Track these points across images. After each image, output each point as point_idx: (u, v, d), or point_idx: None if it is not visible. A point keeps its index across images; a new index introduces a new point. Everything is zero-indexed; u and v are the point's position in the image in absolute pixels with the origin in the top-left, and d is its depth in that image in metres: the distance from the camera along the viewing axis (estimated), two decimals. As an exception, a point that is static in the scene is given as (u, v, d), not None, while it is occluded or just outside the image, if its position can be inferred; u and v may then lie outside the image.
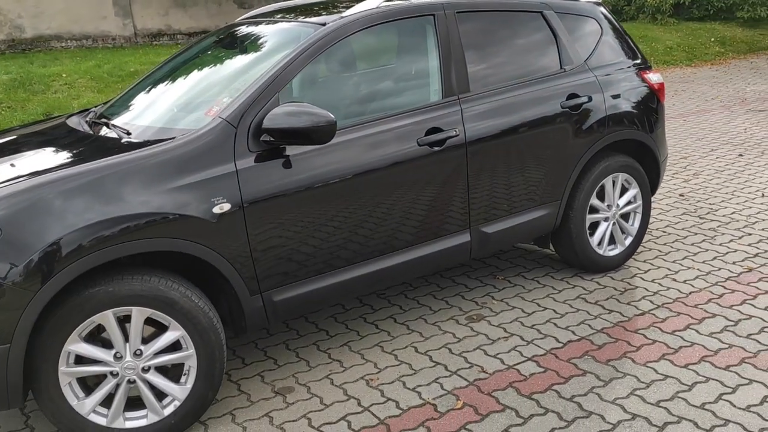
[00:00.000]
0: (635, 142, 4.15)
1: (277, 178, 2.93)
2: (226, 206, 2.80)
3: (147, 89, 3.65)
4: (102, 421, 2.74)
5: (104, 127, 3.31)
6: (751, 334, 3.39)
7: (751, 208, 5.26)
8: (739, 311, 3.64)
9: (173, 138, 2.84)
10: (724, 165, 6.54)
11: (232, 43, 3.74)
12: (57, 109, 9.84)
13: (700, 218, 5.11)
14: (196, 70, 3.66)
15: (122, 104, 3.61)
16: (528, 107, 3.66)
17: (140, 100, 3.55)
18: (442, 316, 3.79)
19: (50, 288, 2.50)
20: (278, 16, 3.76)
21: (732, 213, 5.17)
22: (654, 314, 3.66)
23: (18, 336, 2.48)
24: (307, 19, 3.41)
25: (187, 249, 2.74)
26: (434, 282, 4.23)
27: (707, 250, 4.49)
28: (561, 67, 3.89)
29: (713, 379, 3.04)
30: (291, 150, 2.98)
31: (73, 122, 3.51)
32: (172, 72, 3.73)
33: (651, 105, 4.20)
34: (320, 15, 3.50)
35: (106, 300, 2.62)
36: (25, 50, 15.36)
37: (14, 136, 3.48)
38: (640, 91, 4.15)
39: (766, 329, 3.44)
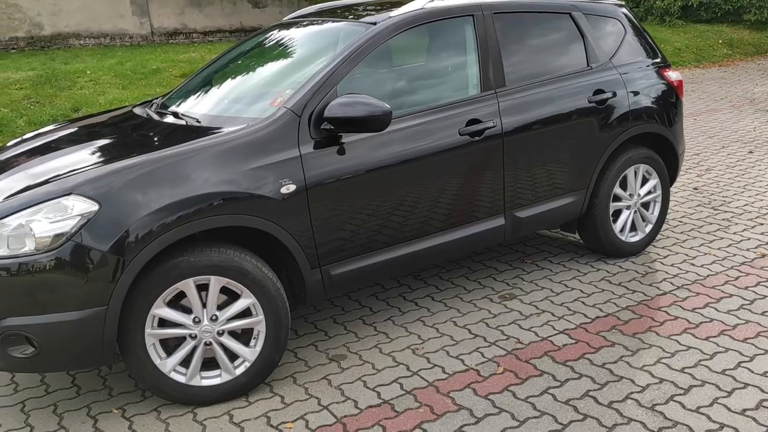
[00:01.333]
0: (656, 136, 4.44)
1: (334, 163, 3.23)
2: (292, 187, 3.10)
3: (206, 82, 3.96)
4: (181, 378, 3.04)
5: (172, 116, 3.61)
6: (765, 312, 3.68)
7: (762, 200, 5.55)
8: (754, 292, 3.93)
9: (245, 126, 3.14)
10: (735, 161, 6.82)
11: (285, 40, 4.04)
12: (84, 105, 10.13)
13: (714, 209, 5.40)
14: (253, 65, 3.97)
15: (185, 96, 3.91)
16: (558, 101, 3.96)
17: (202, 92, 3.85)
18: (476, 295, 4.08)
19: (142, 257, 2.80)
20: (325, 16, 4.06)
21: (744, 205, 5.45)
22: (675, 294, 3.95)
23: (114, 300, 2.79)
24: (358, 19, 3.71)
25: (258, 225, 3.05)
26: (466, 265, 4.53)
27: (722, 238, 4.78)
28: (588, 65, 4.19)
29: (732, 350, 3.33)
30: (346, 138, 3.27)
31: (143, 112, 3.81)
32: (229, 66, 4.03)
33: (670, 101, 4.49)
34: (366, 15, 3.80)
35: (188, 269, 2.92)
36: (44, 47, 15.67)
37: (91, 124, 3.79)
38: (660, 88, 4.45)
39: (779, 307, 3.73)
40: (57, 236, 2.73)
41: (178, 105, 3.79)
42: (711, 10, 17.95)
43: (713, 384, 3.06)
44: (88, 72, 11.98)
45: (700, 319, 3.65)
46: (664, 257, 4.51)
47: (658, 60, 4.55)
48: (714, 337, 3.46)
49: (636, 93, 4.29)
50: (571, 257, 4.59)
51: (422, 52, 3.79)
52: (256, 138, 3.09)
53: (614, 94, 4.17)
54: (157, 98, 4.25)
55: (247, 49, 4.18)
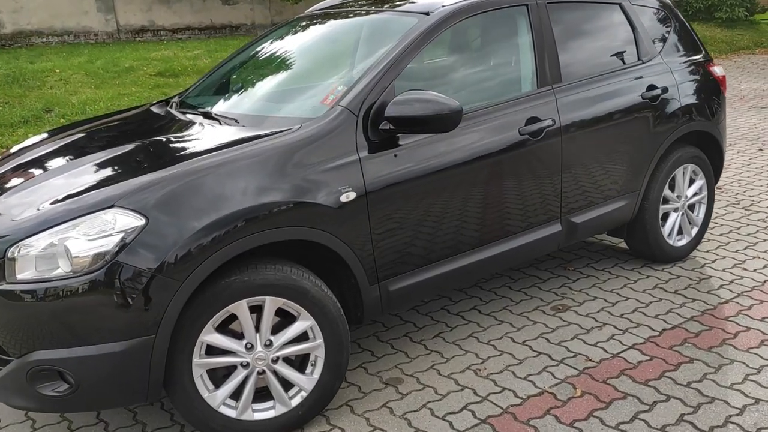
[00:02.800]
0: (702, 134, 4.21)
1: (392, 166, 2.91)
2: (352, 195, 2.77)
3: (234, 79, 3.59)
4: (232, 413, 2.68)
5: (202, 117, 3.24)
6: (840, 320, 3.47)
7: (790, 200, 5.38)
8: (818, 298, 3.73)
9: (298, 126, 2.79)
10: (748, 159, 6.67)
11: (319, 33, 3.69)
12: (56, 105, 9.61)
13: (745, 210, 5.21)
14: (287, 60, 3.61)
15: (210, 94, 3.54)
16: (614, 98, 3.70)
17: (233, 90, 3.48)
18: (526, 307, 3.80)
19: (196, 278, 2.44)
20: (353, 7, 3.73)
21: (774, 205, 5.28)
22: (737, 302, 3.72)
23: (163, 327, 2.42)
24: (406, 8, 3.38)
25: (317, 237, 2.71)
26: (505, 274, 4.24)
27: (765, 240, 4.58)
28: (638, 59, 3.93)
29: (820, 363, 3.10)
30: (403, 139, 2.95)
31: (164, 111, 3.43)
32: (258, 62, 3.67)
33: (716, 97, 4.27)
34: (404, 4, 3.48)
35: (242, 289, 2.57)
36: (5, 46, 14.97)
37: (110, 126, 3.39)
38: (707, 84, 4.22)
39: None
40: (97, 256, 2.35)
41: (207, 104, 3.41)
42: (682, 8, 18.01)
43: (814, 403, 2.82)
44: (57, 71, 11.41)
45: (774, 329, 3.42)
46: (712, 262, 4.28)
47: (703, 54, 4.32)
48: (795, 349, 3.23)
49: (686, 89, 4.05)
50: (614, 263, 4.33)
51: (475, 44, 3.48)
52: (312, 140, 2.75)
53: (666, 90, 3.93)
54: (173, 96, 3.86)
55: (273, 44, 3.82)
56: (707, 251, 4.44)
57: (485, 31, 3.46)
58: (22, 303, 2.40)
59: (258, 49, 3.83)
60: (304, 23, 3.83)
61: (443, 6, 3.25)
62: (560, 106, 3.45)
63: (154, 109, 3.57)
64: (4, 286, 2.42)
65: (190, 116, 3.27)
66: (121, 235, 2.37)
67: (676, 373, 3.09)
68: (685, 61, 4.15)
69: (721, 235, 4.72)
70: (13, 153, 3.32)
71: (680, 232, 4.27)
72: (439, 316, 3.75)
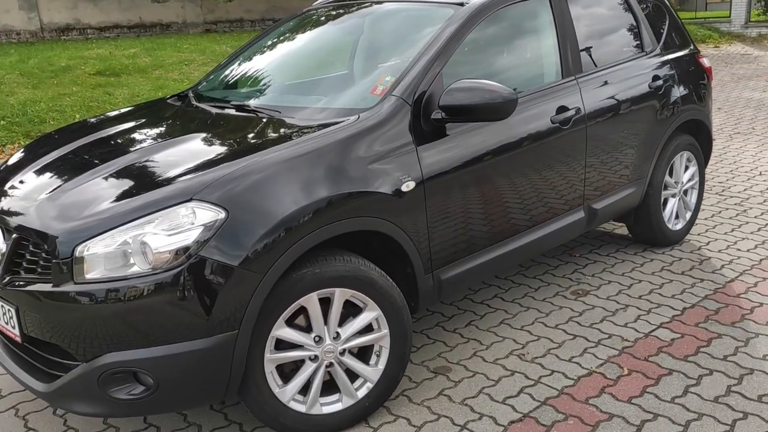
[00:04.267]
0: (695, 122, 4.41)
1: (444, 154, 2.93)
2: (412, 184, 2.77)
3: (261, 70, 3.52)
4: (301, 408, 2.65)
5: (234, 110, 3.17)
6: (840, 292, 3.71)
7: (758, 184, 5.70)
8: (815, 273, 3.97)
9: (357, 117, 2.77)
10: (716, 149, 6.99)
11: (343, 23, 3.67)
12: (-5, 106, 9.14)
13: (719, 195, 5.48)
14: (314, 50, 3.56)
15: (234, 87, 3.47)
16: (627, 88, 3.83)
17: (262, 82, 3.42)
18: (547, 293, 3.89)
19: (276, 270, 2.40)
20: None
21: (744, 190, 5.58)
22: (742, 280, 3.92)
23: (246, 322, 2.36)
24: (439, 0, 3.40)
25: (381, 227, 2.71)
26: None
27: (747, 222, 4.84)
28: (642, 50, 4.08)
29: (837, 333, 3.31)
30: (450, 129, 2.98)
31: (190, 106, 3.33)
32: (283, 52, 3.61)
33: (705, 86, 4.48)
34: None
35: (313, 282, 2.53)
36: None
37: (140, 122, 3.27)
38: (699, 74, 4.42)
39: None
40: (178, 251, 2.27)
41: (236, 98, 3.34)
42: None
43: None
44: (-12, 71, 10.84)
45: (784, 304, 3.63)
46: (707, 244, 4.49)
47: (692, 47, 4.52)
48: (811, 321, 3.44)
49: (683, 80, 4.23)
50: (616, 248, 4.48)
51: (505, 35, 3.51)
52: (373, 130, 2.74)
53: (667, 81, 4.10)
54: (186, 91, 3.74)
55: (295, 35, 3.77)
56: (699, 235, 4.66)
57: (514, 22, 3.51)
58: (93, 304, 2.29)
59: (277, 40, 3.76)
60: (323, 14, 3.79)
61: (475, -4, 3.28)
62: (584, 95, 3.54)
63: (176, 102, 3.45)
64: (72, 287, 2.31)
65: (228, 109, 3.19)
66: (202, 229, 2.29)
67: (710, 348, 3.23)
68: (680, 53, 4.34)
69: (705, 219, 4.95)
70: (33, 151, 3.16)
71: (677, 216, 4.45)
72: (465, 305, 3.79)
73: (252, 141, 2.80)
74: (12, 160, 3.14)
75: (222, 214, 2.31)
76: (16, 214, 2.56)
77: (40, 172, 2.89)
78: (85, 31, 17.17)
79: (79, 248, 2.31)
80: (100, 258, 2.30)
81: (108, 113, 3.55)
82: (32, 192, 2.66)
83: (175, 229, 2.29)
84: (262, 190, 2.40)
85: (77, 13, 17.08)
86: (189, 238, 2.28)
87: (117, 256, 2.30)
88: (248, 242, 2.33)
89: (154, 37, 17.01)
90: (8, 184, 2.82)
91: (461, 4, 3.25)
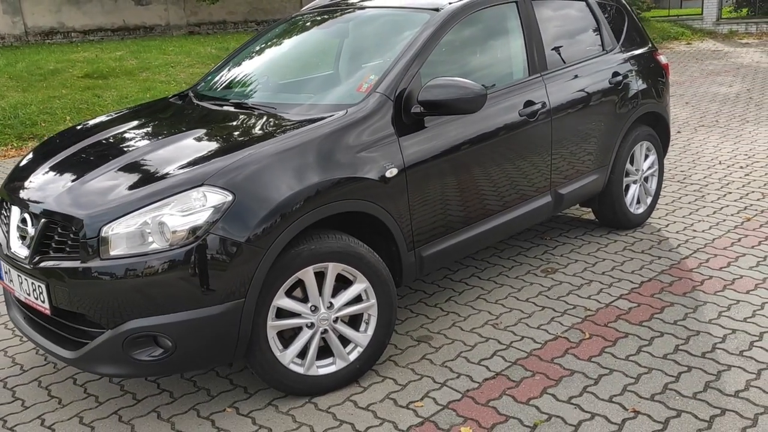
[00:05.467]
0: (654, 114, 4.80)
1: (422, 144, 3.29)
2: (395, 171, 3.13)
3: (253, 71, 3.87)
4: (300, 370, 2.99)
5: (233, 107, 3.52)
6: (782, 266, 4.13)
7: (717, 172, 6.12)
8: (760, 250, 4.38)
9: (345, 112, 3.13)
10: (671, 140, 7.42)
11: (327, 28, 4.02)
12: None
13: (680, 182, 5.90)
14: (303, 52, 3.92)
15: (230, 86, 3.81)
16: (589, 84, 4.21)
17: (257, 81, 3.76)
18: (519, 271, 4.26)
19: (277, 246, 2.74)
20: (357, 3, 4.09)
21: (704, 177, 5.99)
22: (696, 257, 4.32)
23: (251, 291, 2.71)
24: (413, 5, 3.76)
25: (369, 209, 3.06)
26: (491, 246, 4.69)
27: (704, 206, 5.25)
28: (603, 49, 4.47)
29: (775, 300, 3.71)
30: (428, 122, 3.34)
31: (198, 104, 3.67)
32: (272, 54, 3.96)
33: (663, 82, 4.88)
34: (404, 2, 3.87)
35: (310, 257, 2.88)
36: None
37: (153, 117, 3.62)
38: (656, 70, 4.82)
39: (789, 262, 4.18)
40: (193, 229, 2.62)
41: (233, 96, 3.68)
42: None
43: (779, 330, 3.41)
44: (-23, 76, 11.06)
45: (731, 276, 4.02)
46: (666, 226, 4.89)
47: (650, 45, 4.92)
48: (753, 290, 3.84)
49: (641, 75, 4.63)
50: (583, 232, 4.87)
51: (477, 36, 3.88)
52: (360, 122, 3.10)
53: (626, 77, 4.49)
54: (186, 91, 4.08)
55: (283, 38, 4.12)
56: (659, 218, 5.06)
57: (485, 25, 3.87)
58: (117, 277, 2.62)
59: (269, 43, 4.11)
60: (310, 20, 4.14)
61: (450, 3, 3.65)
62: (548, 90, 3.92)
63: (178, 101, 3.79)
64: (98, 263, 2.65)
65: (227, 107, 3.53)
66: (212, 210, 2.64)
67: (662, 314, 3.62)
68: (638, 51, 4.74)
69: (666, 204, 5.36)
70: (50, 146, 3.48)
71: (638, 201, 4.84)
72: (444, 284, 4.16)
73: (253, 133, 3.15)
74: (31, 156, 3.46)
75: (230, 197, 2.66)
76: (45, 201, 2.89)
77: (61, 165, 3.21)
78: (69, 35, 17.38)
79: (104, 229, 2.65)
80: (123, 237, 2.64)
81: (116, 111, 3.88)
82: (58, 182, 2.98)
83: (189, 210, 2.63)
84: (264, 175, 2.75)
85: (61, 17, 17.28)
86: (201, 218, 2.63)
87: (137, 236, 2.64)
88: (252, 221, 2.68)
89: (138, 39, 17.25)
90: (33, 176, 3.14)
91: (437, 9, 3.61)
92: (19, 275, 2.92)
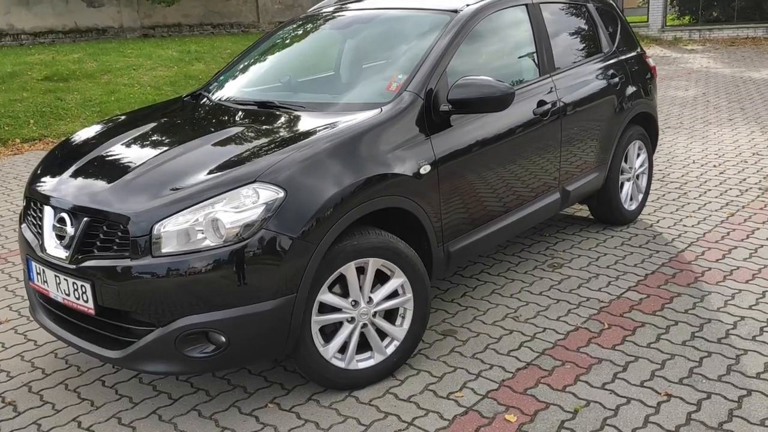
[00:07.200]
0: (644, 115, 5.00)
1: (451, 142, 3.38)
2: (428, 167, 3.21)
3: (272, 71, 3.90)
4: (341, 364, 3.03)
5: (257, 106, 3.55)
6: (773, 257, 4.35)
7: (693, 171, 6.39)
8: (750, 243, 4.60)
9: (379, 110, 3.19)
10: (643, 141, 7.70)
11: (343, 28, 4.07)
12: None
13: (661, 181, 6.13)
14: (323, 52, 3.97)
15: (247, 86, 3.83)
16: (592, 84, 4.37)
17: (278, 81, 3.79)
18: (527, 267, 4.39)
19: (326, 242, 2.78)
20: (371, 4, 4.16)
21: (682, 176, 6.25)
22: (692, 250, 4.52)
23: (303, 286, 2.74)
24: (431, 6, 3.85)
25: (406, 205, 3.13)
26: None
27: (688, 203, 5.48)
28: (601, 51, 4.64)
29: (774, 288, 3.92)
30: (453, 120, 3.42)
31: (219, 103, 3.68)
32: (289, 55, 4.00)
33: (652, 83, 5.08)
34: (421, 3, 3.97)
35: (352, 253, 2.93)
36: None
37: (180, 117, 3.62)
38: (646, 72, 5.03)
39: (778, 253, 4.41)
40: (247, 226, 2.64)
41: (253, 96, 3.70)
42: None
43: (784, 315, 3.61)
44: (-68, 78, 10.69)
45: (728, 267, 4.23)
46: (657, 222, 5.09)
47: (639, 48, 5.13)
48: (751, 280, 4.04)
49: (635, 77, 4.82)
50: (579, 228, 5.03)
51: (493, 38, 3.98)
52: (395, 121, 3.16)
53: (623, 78, 4.66)
54: (197, 91, 4.06)
55: (300, 38, 4.16)
56: (649, 214, 5.26)
57: (499, 26, 3.97)
58: (169, 275, 2.63)
59: (283, 42, 4.13)
60: (323, 19, 4.18)
61: (467, 5, 3.75)
62: (558, 91, 4.06)
63: (192, 101, 3.79)
64: (149, 261, 2.64)
65: (251, 106, 3.55)
66: (264, 206, 2.67)
67: (672, 304, 3.79)
68: (631, 54, 4.93)
69: (652, 202, 5.57)
70: (81, 143, 3.44)
71: (631, 198, 5.03)
72: (457, 280, 4.25)
73: (294, 131, 3.18)
74: (55, 155, 3.41)
75: (281, 193, 2.69)
76: (87, 200, 2.86)
77: (95, 163, 3.16)
78: (19, 37, 16.88)
79: (156, 226, 2.65)
80: (174, 234, 2.65)
81: (132, 111, 3.85)
82: (97, 180, 2.96)
83: (242, 207, 2.65)
84: (314, 172, 2.79)
85: (10, 19, 16.77)
86: (254, 214, 2.65)
87: (189, 233, 2.65)
88: (304, 217, 2.72)
89: (91, 42, 16.87)
90: (66, 175, 3.09)
91: (455, 11, 3.70)
92: (56, 276, 2.89)
